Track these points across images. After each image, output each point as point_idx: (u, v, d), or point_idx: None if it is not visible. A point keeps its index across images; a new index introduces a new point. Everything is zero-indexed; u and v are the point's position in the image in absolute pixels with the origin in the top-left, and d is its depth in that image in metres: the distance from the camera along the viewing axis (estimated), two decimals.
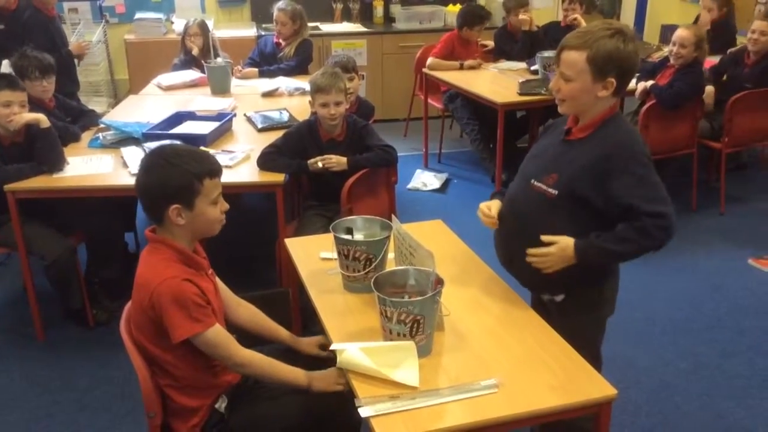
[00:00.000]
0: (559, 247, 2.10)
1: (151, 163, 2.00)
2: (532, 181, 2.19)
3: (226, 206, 2.06)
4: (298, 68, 5.22)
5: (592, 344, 2.27)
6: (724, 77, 4.97)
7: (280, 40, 5.31)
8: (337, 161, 3.34)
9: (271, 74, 5.14)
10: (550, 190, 2.13)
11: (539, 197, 2.16)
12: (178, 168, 1.94)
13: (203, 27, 5.23)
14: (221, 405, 2.09)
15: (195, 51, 5.16)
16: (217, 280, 2.19)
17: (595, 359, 2.13)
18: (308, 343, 2.29)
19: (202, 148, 3.56)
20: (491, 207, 2.33)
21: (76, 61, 5.15)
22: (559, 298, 2.27)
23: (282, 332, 2.33)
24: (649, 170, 2.06)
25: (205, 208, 1.98)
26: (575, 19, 5.56)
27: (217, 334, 1.97)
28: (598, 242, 2.07)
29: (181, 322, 1.91)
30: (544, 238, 2.11)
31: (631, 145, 2.09)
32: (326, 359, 2.19)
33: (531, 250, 2.14)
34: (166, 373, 2.02)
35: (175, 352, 1.98)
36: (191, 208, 1.96)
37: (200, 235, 2.06)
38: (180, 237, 2.00)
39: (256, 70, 5.21)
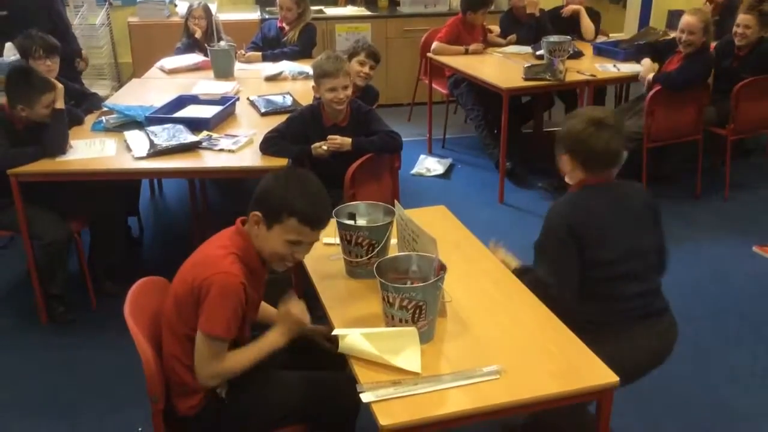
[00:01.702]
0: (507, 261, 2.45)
1: (284, 173, 2.08)
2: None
3: (301, 258, 2.07)
4: (302, 53, 5.19)
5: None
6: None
7: (284, 25, 5.28)
8: (341, 142, 3.33)
9: (275, 58, 5.12)
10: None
11: None
12: (286, 192, 1.97)
13: (207, 10, 5.21)
14: (221, 390, 2.09)
15: (198, 34, 5.15)
16: None
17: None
18: (311, 330, 2.29)
19: (205, 132, 3.57)
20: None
21: (78, 63, 5.11)
22: None
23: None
24: (546, 238, 2.30)
25: (277, 239, 1.98)
26: (576, 10, 5.52)
27: (221, 347, 1.97)
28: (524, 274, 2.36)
29: (218, 319, 1.91)
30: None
31: (548, 216, 2.33)
32: (327, 349, 2.21)
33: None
34: (183, 348, 2.02)
35: (190, 337, 1.98)
36: (269, 228, 1.98)
37: (261, 256, 2.05)
38: (254, 242, 2.02)
39: (260, 54, 5.19)
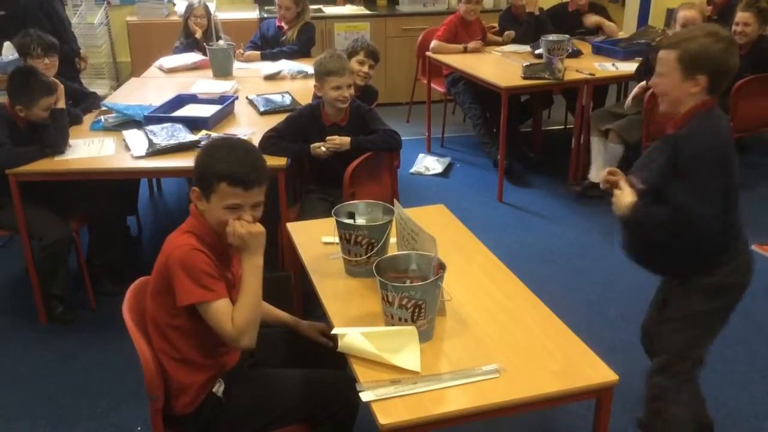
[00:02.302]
0: (622, 194, 2.25)
1: (218, 142, 2.16)
2: (629, 175, 2.34)
3: (248, 219, 1.98)
4: (301, 52, 5.19)
5: (702, 335, 2.39)
6: None
7: (282, 24, 5.28)
8: (340, 142, 3.33)
9: (274, 57, 5.11)
10: (638, 185, 2.27)
11: (638, 192, 2.27)
12: (209, 159, 1.99)
13: (208, 9, 5.20)
14: (218, 389, 2.08)
15: (198, 34, 5.13)
16: None
17: (694, 350, 2.38)
18: (310, 327, 2.32)
19: (204, 131, 3.57)
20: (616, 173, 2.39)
21: (78, 63, 5.10)
22: (675, 281, 2.39)
23: (282, 315, 2.35)
24: (707, 173, 2.13)
25: (216, 208, 1.97)
26: (598, 22, 5.51)
27: (224, 306, 1.94)
28: (646, 211, 2.21)
29: (189, 287, 1.91)
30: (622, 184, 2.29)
31: (696, 143, 2.15)
32: (326, 346, 2.22)
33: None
34: (168, 341, 2.02)
35: (182, 322, 1.98)
36: (207, 200, 1.99)
37: (215, 230, 2.02)
38: (206, 218, 2.02)
39: (259, 53, 5.19)
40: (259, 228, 1.99)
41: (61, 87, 3.38)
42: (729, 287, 2.35)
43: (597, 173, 4.70)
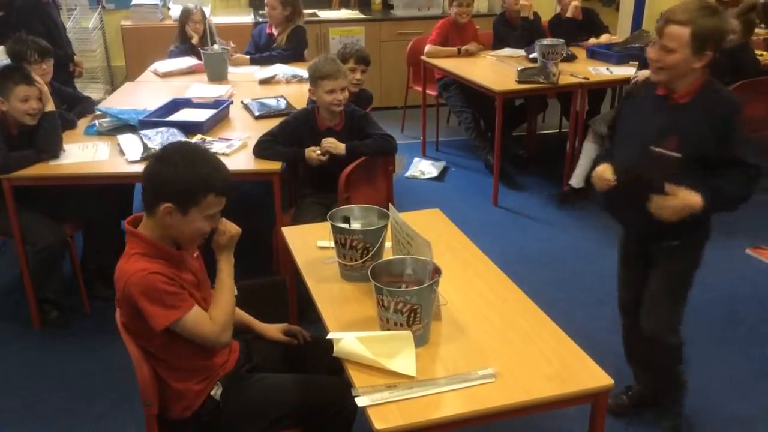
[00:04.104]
0: (683, 196, 2.26)
1: (167, 155, 1.97)
2: (651, 147, 2.35)
3: (215, 225, 2.03)
4: (292, 56, 5.16)
5: (688, 282, 2.57)
6: None
7: (273, 30, 5.26)
8: (335, 144, 3.33)
9: (263, 61, 5.09)
10: (672, 153, 2.31)
11: (661, 161, 2.33)
12: (190, 172, 1.91)
13: (204, 14, 5.18)
14: (216, 392, 2.09)
15: (195, 39, 5.10)
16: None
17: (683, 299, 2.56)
18: (274, 329, 2.36)
19: (199, 136, 3.57)
20: (606, 171, 2.47)
21: (73, 68, 5.09)
22: (675, 242, 2.48)
23: (249, 320, 2.37)
24: (743, 126, 2.34)
25: (196, 219, 1.95)
26: (576, 7, 5.52)
27: (196, 315, 1.95)
28: (719, 186, 2.29)
29: (158, 312, 1.89)
30: (669, 188, 2.28)
31: (736, 104, 2.34)
32: (290, 344, 2.32)
33: (658, 202, 2.30)
34: (156, 357, 2.02)
35: (161, 340, 1.97)
36: (185, 214, 1.93)
37: (179, 241, 2.02)
38: (160, 234, 1.98)
39: (248, 57, 5.17)
40: (239, 228, 2.10)
41: (45, 89, 3.33)
42: (708, 235, 2.52)
43: (580, 179, 4.71)
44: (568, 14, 5.48)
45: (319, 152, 3.32)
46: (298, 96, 4.22)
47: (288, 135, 3.40)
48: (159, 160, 1.97)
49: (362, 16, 6.80)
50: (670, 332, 2.55)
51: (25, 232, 3.30)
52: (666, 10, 2.34)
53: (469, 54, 5.42)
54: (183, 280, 1.98)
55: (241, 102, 4.20)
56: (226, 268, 2.10)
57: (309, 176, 3.60)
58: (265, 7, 5.22)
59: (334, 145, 3.33)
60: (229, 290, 2.07)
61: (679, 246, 2.49)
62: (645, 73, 4.54)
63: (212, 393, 2.08)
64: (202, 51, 4.83)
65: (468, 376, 1.83)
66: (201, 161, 1.95)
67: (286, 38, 5.20)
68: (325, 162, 3.33)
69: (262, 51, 5.29)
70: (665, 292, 2.53)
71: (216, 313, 2.01)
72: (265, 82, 4.70)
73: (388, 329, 1.93)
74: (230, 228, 2.09)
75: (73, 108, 3.92)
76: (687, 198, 2.25)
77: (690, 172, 2.30)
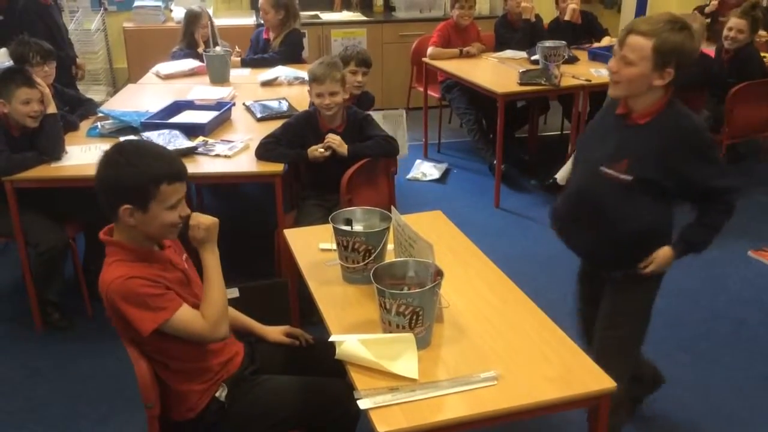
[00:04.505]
0: (661, 257, 2.25)
1: (110, 158, 1.95)
2: (601, 168, 2.22)
3: (186, 212, 1.99)
4: (285, 58, 5.11)
5: (644, 318, 2.41)
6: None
7: (269, 36, 5.25)
8: (339, 141, 3.32)
9: (255, 64, 5.08)
10: (622, 176, 2.18)
11: (611, 183, 2.21)
12: (134, 168, 1.89)
13: (210, 18, 5.15)
14: (221, 394, 2.09)
15: (201, 48, 5.04)
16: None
17: (640, 336, 2.41)
18: (275, 332, 2.35)
19: (201, 137, 3.57)
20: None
21: (75, 71, 5.09)
22: (630, 272, 2.32)
23: (250, 323, 2.36)
24: (713, 149, 2.21)
25: (159, 213, 1.92)
26: (574, 10, 5.52)
27: (184, 314, 1.93)
28: (698, 241, 2.28)
29: (143, 316, 1.88)
30: (643, 265, 2.26)
31: (697, 129, 2.19)
32: (291, 346, 2.30)
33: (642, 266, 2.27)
34: (155, 360, 2.02)
35: (154, 344, 1.97)
36: (145, 210, 1.91)
37: (152, 238, 2.01)
38: (133, 237, 1.97)
39: (239, 60, 5.15)
40: (215, 218, 2.03)
41: (47, 91, 3.33)
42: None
43: (564, 177, 4.71)
44: (567, 17, 5.48)
45: (321, 149, 3.32)
46: (300, 98, 4.22)
47: (290, 136, 3.40)
48: (104, 165, 1.95)
49: (364, 18, 6.80)
50: (618, 380, 2.10)
51: (28, 234, 3.30)
52: (632, 20, 2.22)
53: (471, 55, 5.42)
54: (168, 280, 1.96)
55: (243, 104, 4.20)
56: (211, 261, 2.03)
57: (311, 178, 3.59)
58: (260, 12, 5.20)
59: (338, 142, 3.32)
60: (217, 284, 2.02)
61: (627, 280, 2.34)
62: None
63: (217, 395, 2.08)
64: (204, 53, 4.83)
65: (470, 378, 1.83)
66: (143, 155, 1.94)
67: (280, 42, 5.18)
68: (327, 157, 3.32)
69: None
70: (612, 343, 2.34)
71: (207, 309, 1.98)
72: (267, 84, 4.70)
73: (390, 332, 1.93)
74: (203, 220, 2.01)
75: (75, 110, 3.92)
76: (661, 262, 2.25)
77: (641, 196, 2.19)
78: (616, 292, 2.38)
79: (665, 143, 2.14)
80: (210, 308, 1.99)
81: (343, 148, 3.33)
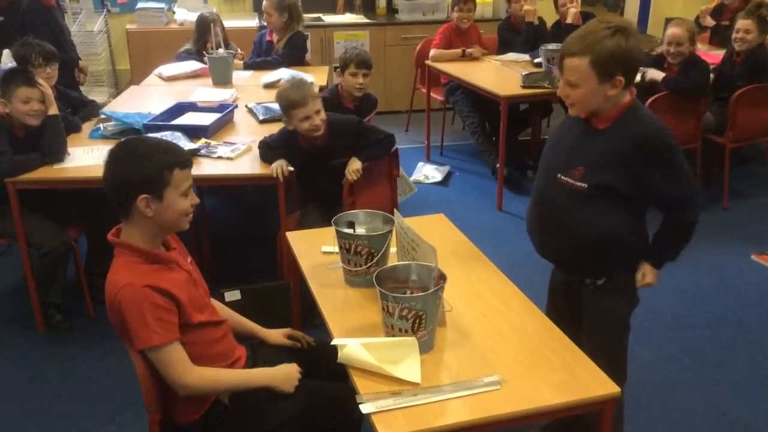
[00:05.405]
0: (648, 273, 2.25)
1: (119, 154, 1.99)
2: (558, 175, 2.20)
3: (196, 200, 2.04)
4: (289, 61, 5.08)
5: (623, 327, 2.37)
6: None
7: (273, 38, 5.25)
8: (357, 168, 3.29)
9: (257, 66, 5.08)
10: (578, 183, 2.14)
11: (568, 190, 2.17)
12: (147, 158, 1.94)
13: (221, 22, 5.11)
14: (224, 397, 2.08)
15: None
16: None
17: (622, 348, 2.39)
18: (277, 334, 2.34)
19: (204, 139, 3.56)
20: None
21: (77, 74, 5.08)
22: (601, 281, 2.28)
23: (251, 326, 2.35)
24: (675, 154, 2.13)
25: (174, 200, 1.96)
26: (575, 13, 5.50)
27: (173, 352, 1.92)
28: (667, 251, 2.25)
29: (140, 332, 1.89)
30: (638, 286, 2.28)
31: (656, 134, 2.11)
32: (293, 348, 2.29)
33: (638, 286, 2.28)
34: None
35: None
36: (161, 198, 1.94)
37: (168, 229, 2.03)
38: (144, 234, 1.97)
39: (242, 62, 5.14)
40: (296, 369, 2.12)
41: (49, 92, 3.33)
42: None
43: None
44: (568, 20, 5.47)
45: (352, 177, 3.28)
46: None
47: (283, 143, 3.35)
48: (113, 163, 1.98)
49: (367, 21, 6.80)
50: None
51: (30, 235, 3.30)
52: (564, 42, 2.13)
53: (473, 58, 5.41)
54: (175, 283, 1.96)
55: (246, 106, 4.20)
56: (266, 375, 2.09)
57: (308, 186, 3.53)
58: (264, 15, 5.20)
59: (356, 169, 3.28)
60: (239, 379, 2.08)
61: (605, 286, 2.28)
62: (653, 72, 4.55)
63: (220, 397, 2.08)
64: (206, 55, 4.83)
65: (473, 383, 1.82)
66: (151, 146, 1.99)
67: (284, 44, 5.18)
68: (317, 172, 3.30)
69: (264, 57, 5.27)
70: (599, 354, 2.12)
71: (209, 373, 2.00)
72: (269, 86, 4.69)
73: (393, 335, 1.93)
74: (289, 378, 2.09)
75: (78, 111, 3.93)
76: (650, 278, 2.25)
77: (600, 203, 2.14)
78: (594, 301, 2.33)
79: (621, 149, 2.09)
80: (212, 375, 2.01)
81: (357, 165, 3.30)
